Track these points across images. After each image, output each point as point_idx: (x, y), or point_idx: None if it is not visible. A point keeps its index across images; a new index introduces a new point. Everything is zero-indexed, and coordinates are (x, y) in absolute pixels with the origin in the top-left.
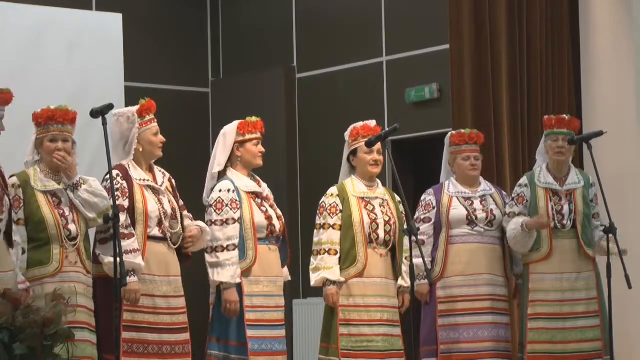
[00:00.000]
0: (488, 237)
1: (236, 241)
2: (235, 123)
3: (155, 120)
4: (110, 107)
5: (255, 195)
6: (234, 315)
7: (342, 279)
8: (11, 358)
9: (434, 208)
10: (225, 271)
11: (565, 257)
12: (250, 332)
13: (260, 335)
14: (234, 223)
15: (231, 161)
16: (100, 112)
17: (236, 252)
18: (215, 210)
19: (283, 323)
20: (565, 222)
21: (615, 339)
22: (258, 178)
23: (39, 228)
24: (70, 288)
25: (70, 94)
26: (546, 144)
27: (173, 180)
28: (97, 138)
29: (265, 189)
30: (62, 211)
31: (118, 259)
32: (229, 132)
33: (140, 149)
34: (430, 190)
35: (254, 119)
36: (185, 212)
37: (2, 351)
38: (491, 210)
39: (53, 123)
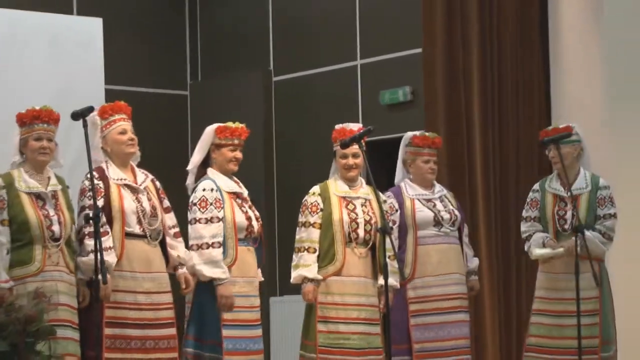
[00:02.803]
0: (452, 237)
1: (220, 239)
2: (215, 125)
3: (125, 119)
4: (90, 109)
5: (236, 195)
6: (229, 310)
7: (320, 277)
8: None
9: (397, 210)
10: (216, 267)
11: (566, 258)
12: (225, 332)
13: (236, 335)
14: (218, 222)
15: (210, 162)
16: (80, 115)
17: (221, 250)
18: (199, 209)
19: (259, 323)
20: (566, 226)
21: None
22: (236, 179)
23: (22, 228)
24: (51, 286)
25: (52, 97)
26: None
27: (157, 182)
28: (78, 140)
29: (244, 191)
30: (46, 212)
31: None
32: (207, 134)
33: (108, 149)
34: (389, 193)
35: (236, 124)
36: (169, 215)
37: None
38: (452, 210)
39: (38, 122)
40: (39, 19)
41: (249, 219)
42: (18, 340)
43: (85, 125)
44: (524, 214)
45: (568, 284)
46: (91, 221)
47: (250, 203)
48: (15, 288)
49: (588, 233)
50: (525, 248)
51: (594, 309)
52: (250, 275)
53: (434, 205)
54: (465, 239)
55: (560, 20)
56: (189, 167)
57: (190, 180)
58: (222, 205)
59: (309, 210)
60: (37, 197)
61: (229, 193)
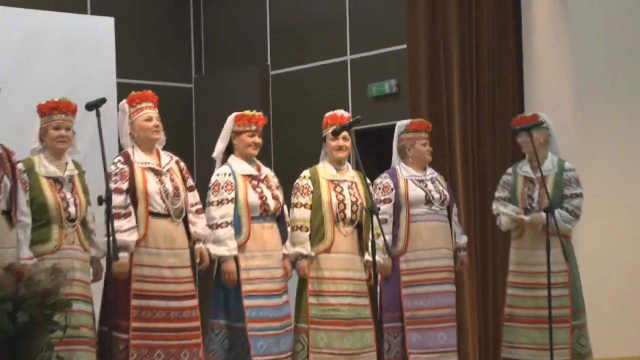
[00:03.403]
0: (441, 215)
1: (229, 219)
2: (234, 114)
3: (151, 107)
4: (103, 100)
5: (252, 177)
6: (232, 284)
7: (313, 254)
8: (15, 325)
9: (392, 190)
10: (222, 246)
11: (535, 235)
12: (247, 302)
13: (257, 304)
14: (228, 203)
15: (233, 148)
16: (94, 105)
17: (229, 229)
18: (212, 192)
19: (280, 292)
20: (534, 204)
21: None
22: (259, 163)
23: (40, 209)
24: (67, 263)
25: (68, 90)
26: (519, 141)
27: (182, 163)
28: (92, 129)
29: (264, 173)
30: (63, 195)
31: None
32: (227, 123)
33: (136, 135)
34: (385, 174)
35: (252, 112)
36: (192, 194)
37: (7, 319)
38: (442, 191)
39: (57, 112)
40: (56, 19)
41: (262, 198)
42: (37, 312)
43: (98, 115)
44: (496, 194)
45: (538, 259)
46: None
47: (270, 184)
48: (35, 264)
49: (556, 212)
50: (497, 222)
51: (564, 282)
52: (268, 249)
53: (426, 186)
54: (455, 218)
55: (532, 20)
56: (214, 155)
57: (217, 166)
58: (233, 188)
59: (301, 192)
60: (55, 181)
61: (244, 176)
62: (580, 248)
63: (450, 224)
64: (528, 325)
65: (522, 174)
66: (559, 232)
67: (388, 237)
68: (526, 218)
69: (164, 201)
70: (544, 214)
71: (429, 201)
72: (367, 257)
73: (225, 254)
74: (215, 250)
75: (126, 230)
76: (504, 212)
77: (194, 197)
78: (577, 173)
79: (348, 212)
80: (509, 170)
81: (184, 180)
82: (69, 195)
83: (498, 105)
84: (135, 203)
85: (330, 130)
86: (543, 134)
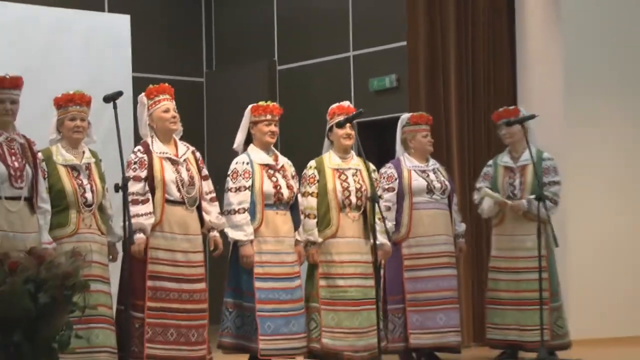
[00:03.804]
0: (442, 203)
1: (246, 205)
2: (250, 106)
3: (169, 100)
4: (120, 93)
5: (268, 167)
6: (249, 267)
7: (320, 240)
8: (36, 305)
9: (396, 179)
10: (239, 231)
11: (515, 222)
12: (257, 284)
13: (267, 287)
14: (245, 190)
15: (252, 138)
16: (111, 98)
17: (246, 214)
18: (231, 179)
19: (292, 276)
20: (516, 192)
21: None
22: (277, 153)
23: (59, 196)
24: (86, 246)
25: (86, 84)
26: (500, 134)
27: (197, 153)
28: (109, 120)
29: (280, 163)
30: (80, 182)
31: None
32: (245, 114)
33: (154, 126)
34: (390, 164)
35: (268, 102)
36: (206, 182)
37: (29, 300)
38: (443, 181)
39: (72, 104)
40: (76, 16)
41: (276, 187)
42: (57, 293)
43: (115, 107)
44: (477, 185)
45: (518, 244)
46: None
47: (286, 173)
48: (54, 248)
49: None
50: (479, 210)
51: (543, 266)
52: (280, 235)
53: (428, 176)
54: (455, 207)
55: (526, 19)
56: (234, 146)
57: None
58: (250, 176)
59: (307, 181)
60: (73, 168)
61: (262, 165)
62: (568, 236)
63: (451, 212)
64: (511, 307)
65: (502, 164)
66: (539, 217)
67: (391, 224)
68: (509, 203)
69: (179, 190)
70: (524, 201)
71: (430, 190)
72: (381, 239)
73: (243, 239)
74: (233, 234)
75: (143, 215)
76: (492, 194)
77: (208, 186)
78: (555, 162)
79: (353, 199)
80: (490, 162)
81: (199, 170)
82: (85, 182)
83: (493, 99)
84: (152, 190)
85: (335, 122)
86: (524, 126)
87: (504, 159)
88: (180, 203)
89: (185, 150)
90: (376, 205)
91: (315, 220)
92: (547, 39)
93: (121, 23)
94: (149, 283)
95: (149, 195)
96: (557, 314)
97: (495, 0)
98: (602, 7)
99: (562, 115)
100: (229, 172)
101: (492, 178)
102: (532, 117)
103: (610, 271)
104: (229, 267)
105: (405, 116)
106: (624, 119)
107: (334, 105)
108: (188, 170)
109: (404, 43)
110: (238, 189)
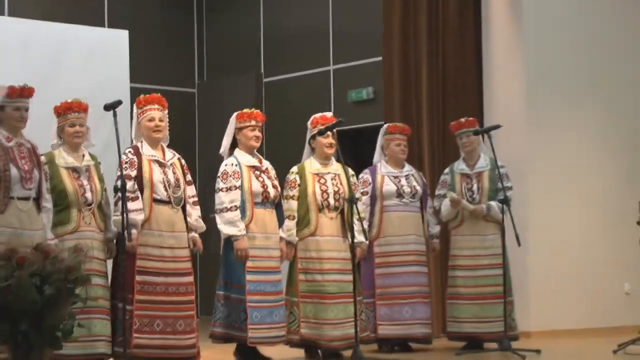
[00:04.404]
0: (412, 206)
1: (237, 203)
2: (235, 113)
3: (157, 109)
4: (119, 102)
5: (255, 168)
6: (245, 260)
7: (296, 239)
8: (42, 297)
9: (370, 184)
10: (233, 227)
11: (473, 224)
12: (248, 277)
13: (256, 279)
14: (236, 189)
15: (237, 143)
16: (111, 106)
17: (238, 212)
18: (221, 180)
19: (276, 270)
20: (475, 196)
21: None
22: (260, 157)
23: (61, 195)
24: (87, 243)
25: (87, 93)
26: (458, 143)
27: (182, 160)
28: (108, 127)
29: (265, 165)
30: (80, 182)
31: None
32: (231, 121)
33: (141, 132)
34: (367, 170)
35: (252, 109)
36: (190, 187)
37: (35, 292)
38: (414, 186)
39: (71, 112)
40: (78, 31)
41: (264, 186)
42: (61, 286)
43: (115, 115)
44: (436, 192)
45: (476, 244)
46: (119, 191)
47: (270, 175)
48: (57, 244)
49: (493, 203)
50: (439, 216)
51: (499, 263)
52: (268, 231)
53: (399, 181)
54: (430, 210)
55: (491, 36)
56: (220, 151)
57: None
58: (239, 177)
59: (289, 185)
60: (73, 170)
61: (249, 167)
62: (529, 236)
63: (422, 214)
64: (469, 302)
65: (459, 171)
66: (503, 219)
67: (367, 224)
68: (469, 206)
69: (166, 189)
70: (483, 206)
71: (400, 194)
72: (357, 238)
73: (237, 234)
74: (227, 230)
75: (134, 211)
76: (452, 195)
77: (191, 190)
78: (507, 169)
79: (331, 200)
80: (446, 170)
81: (184, 175)
82: (85, 183)
83: (461, 109)
84: (141, 189)
85: (316, 130)
86: (478, 137)
87: (460, 166)
88: (167, 202)
89: (171, 156)
90: (354, 206)
91: (295, 221)
92: (510, 53)
93: (120, 38)
94: (138, 278)
95: (139, 193)
96: (510, 308)
97: (463, 19)
98: (562, 19)
99: (525, 123)
100: (218, 174)
101: (450, 185)
102: (497, 127)
103: (568, 269)
104: (221, 262)
105: (385, 126)
106: (584, 125)
107: (317, 115)
108: (174, 173)
109: (380, 58)
110: (229, 189)
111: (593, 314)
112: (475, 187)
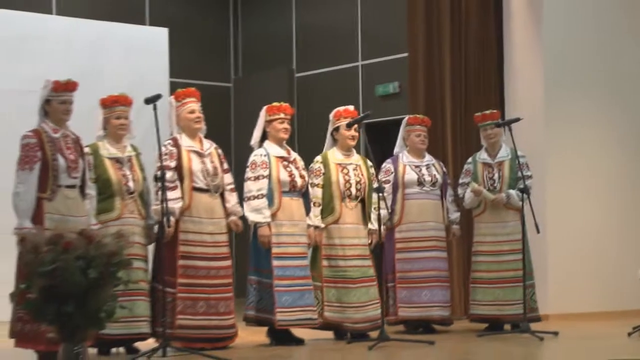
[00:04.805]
0: (432, 194)
1: (264, 192)
2: (265, 107)
3: (194, 102)
4: (159, 96)
5: (283, 159)
6: (266, 246)
7: (322, 225)
8: (86, 280)
9: (392, 173)
10: (258, 214)
11: (495, 212)
12: (275, 262)
13: (284, 264)
14: (263, 179)
15: (267, 135)
16: (151, 100)
17: (264, 200)
18: (250, 170)
19: (304, 255)
20: (496, 185)
21: (534, 268)
22: (289, 148)
23: (105, 185)
24: (128, 229)
25: (129, 88)
26: (481, 134)
27: (219, 150)
28: (148, 119)
29: (293, 156)
30: (123, 172)
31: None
32: (261, 114)
33: (181, 124)
34: (389, 160)
35: (281, 103)
36: (227, 175)
37: (80, 274)
38: (434, 175)
39: (117, 105)
40: (120, 29)
41: (291, 176)
42: (104, 269)
43: (155, 108)
44: (460, 180)
45: (497, 230)
46: (159, 180)
47: (298, 165)
48: (101, 230)
49: (512, 191)
50: (463, 203)
51: (519, 249)
52: (295, 219)
53: (420, 170)
54: (450, 198)
55: (511, 33)
56: (251, 143)
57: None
58: (267, 166)
59: (314, 174)
60: (117, 160)
61: (277, 157)
62: (548, 224)
63: (442, 202)
64: (491, 286)
65: (481, 161)
66: (523, 207)
67: (385, 211)
68: (490, 195)
69: (204, 178)
70: (504, 195)
71: (420, 183)
72: (370, 225)
73: (262, 221)
74: (253, 217)
75: (172, 200)
76: (473, 185)
77: (228, 177)
78: (527, 159)
79: (353, 190)
80: (469, 160)
81: (221, 163)
82: (128, 172)
83: (482, 103)
84: (181, 179)
85: (345, 122)
86: (500, 129)
87: (482, 156)
88: (206, 190)
89: (209, 146)
90: (376, 195)
91: (320, 207)
92: (530, 50)
93: (160, 35)
94: (180, 262)
95: (178, 183)
96: (531, 291)
97: (486, 16)
98: (581, 17)
99: (544, 117)
100: (247, 164)
101: (473, 174)
102: (517, 119)
103: (584, 255)
104: (250, 248)
105: (406, 118)
106: (600, 119)
107: (340, 108)
108: (212, 162)
109: (406, 54)
110: (257, 178)
111: (608, 298)
112: (496, 175)
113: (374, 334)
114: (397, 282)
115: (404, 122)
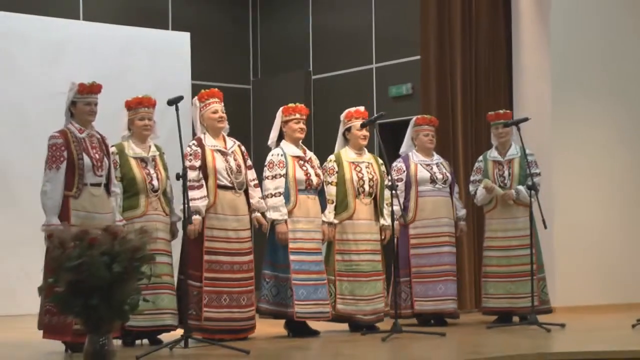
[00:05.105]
0: (444, 192)
1: (281, 190)
2: (282, 107)
3: (217, 102)
4: (181, 98)
5: (299, 158)
6: (284, 243)
7: (336, 221)
8: (111, 274)
9: (404, 171)
10: (275, 212)
11: (506, 208)
12: (292, 257)
13: (300, 259)
14: (280, 177)
15: (284, 135)
16: (174, 102)
17: (281, 198)
18: (268, 169)
19: (319, 251)
20: (506, 181)
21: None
22: (305, 148)
23: (130, 183)
24: (152, 225)
25: (152, 89)
26: (492, 132)
27: (243, 147)
28: (171, 120)
29: (308, 155)
30: (147, 171)
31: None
32: (277, 115)
33: (205, 124)
34: (400, 159)
35: (297, 104)
36: (250, 171)
37: (105, 269)
38: (445, 172)
39: (141, 106)
40: (144, 33)
41: (307, 174)
42: (128, 264)
43: (177, 109)
44: (471, 178)
45: (507, 226)
46: (180, 178)
47: (314, 164)
48: (126, 226)
49: (521, 187)
50: (475, 200)
51: (529, 244)
52: (310, 215)
53: (431, 168)
54: (456, 195)
55: (520, 36)
56: (269, 142)
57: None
58: (284, 165)
59: (328, 172)
60: (141, 160)
61: (293, 157)
62: (555, 219)
63: (452, 199)
64: (503, 280)
65: (492, 159)
66: (531, 203)
67: (397, 208)
68: (500, 190)
69: (229, 175)
70: (513, 191)
71: (433, 181)
72: (382, 221)
73: (279, 218)
74: (271, 214)
75: (199, 199)
76: (485, 181)
77: (252, 174)
78: (535, 157)
79: (366, 187)
80: (480, 158)
81: (245, 161)
82: (152, 171)
83: (492, 104)
84: (206, 177)
85: (357, 122)
86: (511, 127)
87: (492, 154)
88: (230, 188)
89: (232, 144)
90: (388, 192)
91: (334, 204)
92: (538, 52)
93: (182, 39)
94: (206, 257)
95: (203, 182)
96: (543, 283)
97: (496, 15)
98: (588, 19)
99: (550, 117)
100: (265, 163)
101: (483, 171)
102: (525, 119)
103: (590, 249)
104: (267, 243)
105: (414, 118)
106: (606, 119)
107: (352, 109)
108: (235, 160)
109: (418, 57)
110: (274, 177)
111: (613, 291)
112: (506, 173)
113: (381, 326)
114: (413, 276)
115: (412, 122)
